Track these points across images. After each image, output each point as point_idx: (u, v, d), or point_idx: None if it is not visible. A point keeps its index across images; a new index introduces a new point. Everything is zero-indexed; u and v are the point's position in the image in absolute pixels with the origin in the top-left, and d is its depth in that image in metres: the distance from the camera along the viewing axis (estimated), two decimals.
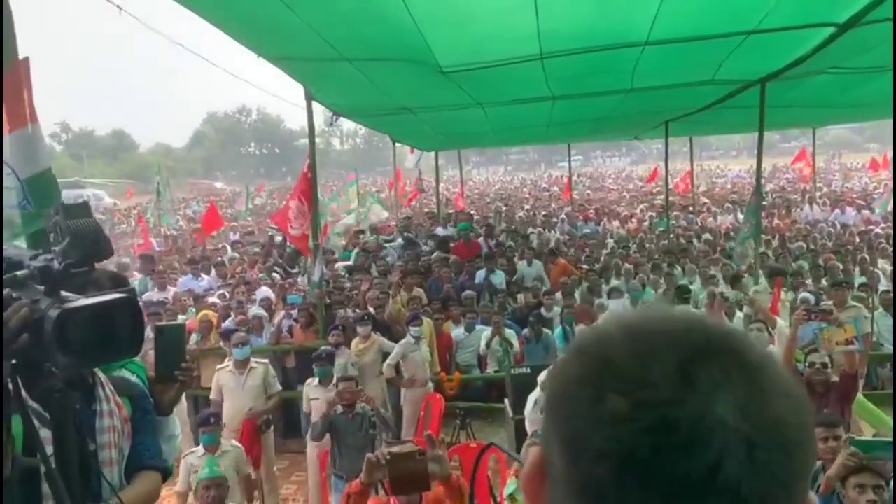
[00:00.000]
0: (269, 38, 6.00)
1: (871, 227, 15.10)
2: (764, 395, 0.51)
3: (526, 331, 8.60)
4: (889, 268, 10.39)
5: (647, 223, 17.72)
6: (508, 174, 66.57)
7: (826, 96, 9.58)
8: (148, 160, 59.61)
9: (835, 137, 62.51)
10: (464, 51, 6.08)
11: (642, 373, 0.51)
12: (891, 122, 15.35)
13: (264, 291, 9.83)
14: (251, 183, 45.16)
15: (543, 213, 20.67)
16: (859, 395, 6.71)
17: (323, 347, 7.04)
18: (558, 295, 9.61)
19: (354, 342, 7.55)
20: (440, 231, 15.18)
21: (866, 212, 17.44)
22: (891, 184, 17.05)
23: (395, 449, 2.47)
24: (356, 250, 12.79)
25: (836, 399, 6.17)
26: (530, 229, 16.27)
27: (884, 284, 9.54)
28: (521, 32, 5.58)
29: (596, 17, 5.35)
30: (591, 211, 20.08)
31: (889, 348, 7.91)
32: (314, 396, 6.29)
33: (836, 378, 6.29)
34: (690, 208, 19.72)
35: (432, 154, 19.74)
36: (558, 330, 8.62)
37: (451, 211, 21.07)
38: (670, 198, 16.90)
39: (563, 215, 18.80)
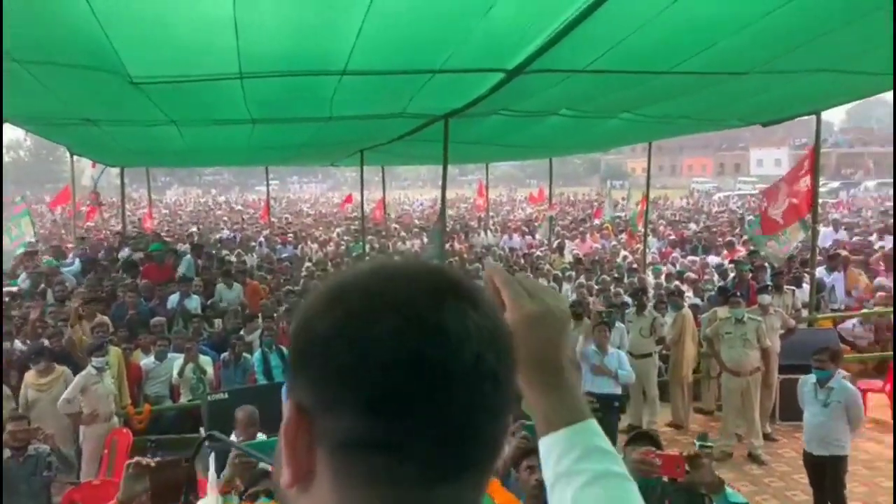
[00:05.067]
0: None
1: (533, 250, 17.46)
2: (487, 309, 0.66)
3: (226, 354, 8.36)
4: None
5: (343, 247, 18.34)
6: (205, 195, 63.53)
7: (498, 135, 10.87)
8: None
9: (503, 173, 70.91)
10: (158, 62, 5.77)
11: (405, 298, 0.62)
12: (546, 161, 17.96)
13: None
14: None
15: (241, 235, 20.23)
16: None
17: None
18: (258, 319, 9.49)
19: (31, 376, 6.77)
20: (125, 253, 13.99)
21: (528, 237, 20.16)
22: (548, 212, 19.80)
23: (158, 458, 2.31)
24: (24, 273, 11.23)
25: None
26: (225, 252, 15.82)
27: None
28: (220, 49, 5.47)
29: (296, 43, 5.48)
30: (290, 235, 20.17)
31: None
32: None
33: None
34: (383, 233, 20.84)
35: (115, 171, 18.18)
36: (257, 353, 8.51)
37: (137, 231, 19.58)
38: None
39: (261, 238, 18.63)
